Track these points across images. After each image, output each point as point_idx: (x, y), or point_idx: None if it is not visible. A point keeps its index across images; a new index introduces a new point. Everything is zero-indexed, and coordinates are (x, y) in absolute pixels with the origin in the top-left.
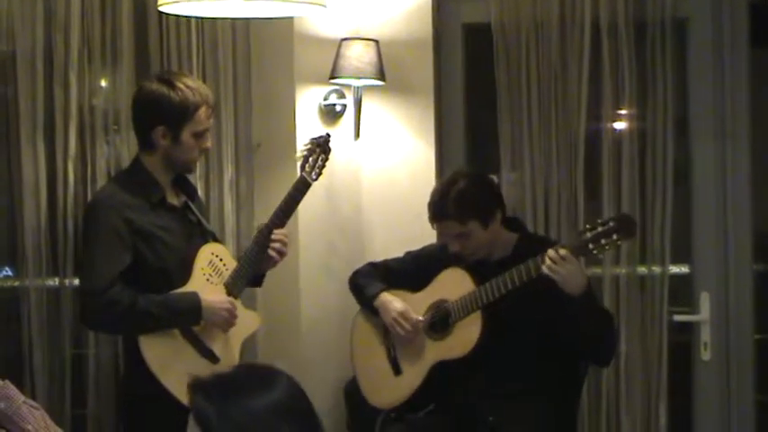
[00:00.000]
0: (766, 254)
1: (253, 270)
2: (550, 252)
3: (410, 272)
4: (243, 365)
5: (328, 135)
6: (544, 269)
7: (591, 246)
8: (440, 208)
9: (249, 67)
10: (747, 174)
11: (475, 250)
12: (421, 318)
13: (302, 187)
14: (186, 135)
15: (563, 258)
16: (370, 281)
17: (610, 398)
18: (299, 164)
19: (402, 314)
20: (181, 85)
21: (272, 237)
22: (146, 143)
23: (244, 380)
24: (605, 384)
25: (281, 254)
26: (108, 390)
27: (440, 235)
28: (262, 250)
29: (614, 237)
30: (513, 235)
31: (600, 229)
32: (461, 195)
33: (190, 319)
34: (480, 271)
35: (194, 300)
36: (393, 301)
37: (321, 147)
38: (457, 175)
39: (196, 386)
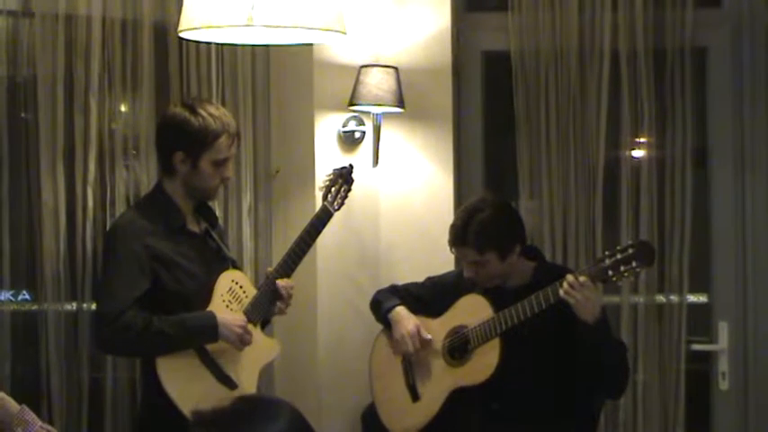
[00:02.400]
0: None
1: (273, 297)
2: (569, 277)
3: (429, 297)
4: (244, 397)
5: (351, 166)
6: (561, 293)
7: (610, 272)
8: (460, 235)
9: (269, 94)
10: (766, 202)
11: (489, 279)
12: (430, 337)
13: (324, 216)
14: (205, 162)
15: (581, 284)
16: (388, 296)
17: (627, 426)
18: (321, 193)
19: (413, 331)
20: (203, 112)
21: (279, 288)
22: (167, 168)
23: (246, 413)
24: (622, 413)
25: (286, 305)
26: (125, 414)
27: (457, 258)
28: (270, 294)
29: (633, 264)
30: (531, 264)
31: (619, 255)
32: (483, 226)
33: (206, 338)
34: (498, 298)
35: (210, 318)
36: (408, 318)
37: (344, 177)
38: (483, 203)
39: (196, 421)
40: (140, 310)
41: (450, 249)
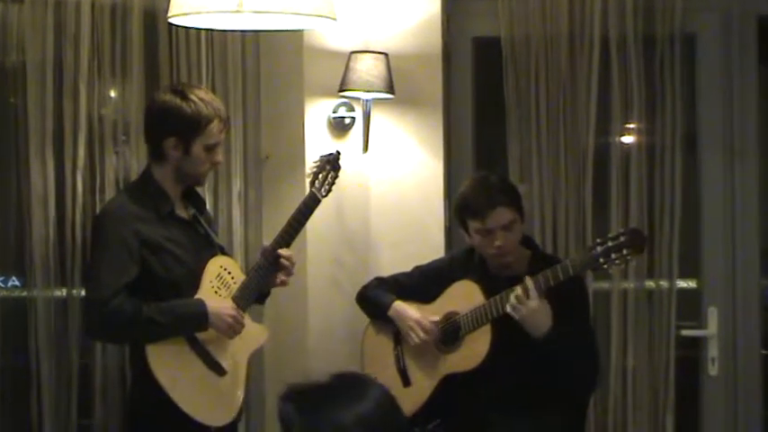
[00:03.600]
0: None
1: (260, 285)
2: (517, 289)
3: (418, 286)
4: (341, 374)
5: (338, 152)
6: (507, 307)
7: (601, 260)
8: (491, 196)
9: (258, 80)
10: (755, 189)
11: (512, 248)
12: (437, 318)
13: (312, 203)
14: (197, 147)
15: (528, 298)
16: (381, 292)
17: (617, 412)
18: (308, 180)
19: (418, 322)
20: (194, 98)
21: (280, 256)
22: (157, 154)
23: (337, 390)
24: (612, 399)
25: (287, 271)
26: (114, 400)
27: (480, 234)
28: (269, 267)
29: (624, 251)
30: (527, 252)
31: (610, 243)
32: (503, 183)
33: (196, 325)
34: (491, 286)
35: (200, 305)
36: (408, 309)
37: (331, 164)
38: (481, 173)
39: (290, 394)
40: (130, 296)
41: (469, 226)
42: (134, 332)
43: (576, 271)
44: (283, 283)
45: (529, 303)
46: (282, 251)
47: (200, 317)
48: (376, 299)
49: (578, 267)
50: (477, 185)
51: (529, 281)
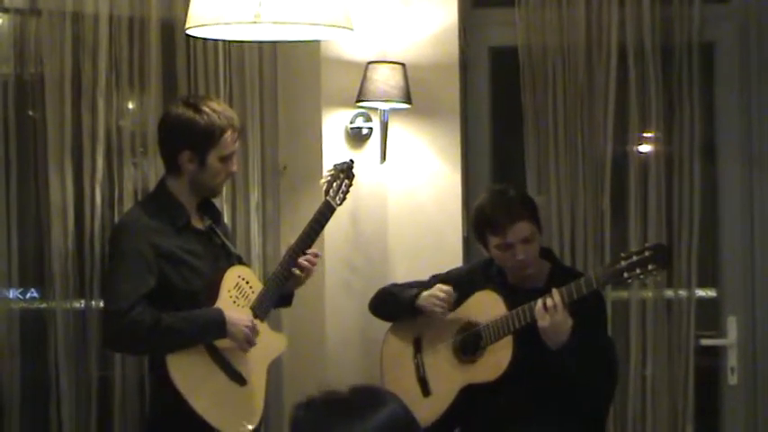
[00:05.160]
0: None
1: (279, 292)
2: (547, 299)
3: None
4: (357, 387)
5: (351, 161)
6: (536, 313)
7: (626, 275)
8: (511, 211)
9: (276, 91)
10: None
11: (533, 260)
12: (449, 288)
13: (327, 211)
14: (212, 159)
15: (555, 310)
16: (401, 289)
17: (636, 422)
18: (323, 189)
19: (435, 294)
20: (207, 109)
21: (302, 256)
22: (172, 167)
23: (352, 403)
24: (631, 408)
25: (307, 271)
26: (133, 412)
27: (501, 249)
28: (288, 272)
29: (649, 266)
30: (547, 264)
31: (635, 258)
32: (522, 197)
33: (214, 333)
34: (513, 298)
35: (218, 314)
36: (429, 292)
37: (345, 172)
38: (498, 186)
39: (304, 404)
40: (148, 306)
41: (498, 236)
42: (153, 342)
43: (599, 284)
44: (302, 281)
45: (555, 315)
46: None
47: (219, 325)
48: (397, 296)
49: (602, 281)
50: (497, 200)
51: (557, 293)
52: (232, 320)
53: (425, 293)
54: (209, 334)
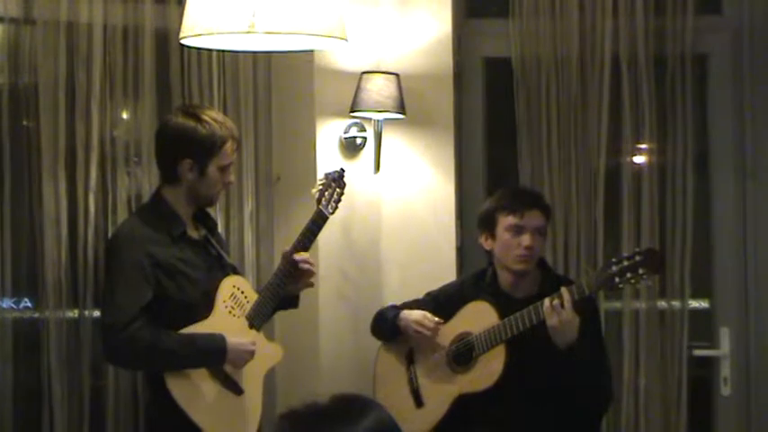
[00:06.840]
0: None
1: (275, 301)
2: (555, 298)
3: (431, 312)
4: (340, 396)
5: (342, 170)
6: (544, 311)
7: (617, 279)
8: (531, 197)
9: (270, 101)
10: (767, 209)
11: (536, 256)
12: (440, 320)
13: (320, 220)
14: (212, 169)
15: (563, 308)
16: (389, 311)
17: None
18: (315, 198)
19: (419, 321)
20: (207, 119)
21: (297, 262)
22: (170, 176)
23: (335, 412)
24: (625, 419)
25: (308, 273)
26: (126, 422)
27: (511, 232)
28: (284, 277)
29: (640, 271)
30: (539, 272)
31: (626, 262)
32: (540, 194)
33: (214, 360)
34: (506, 307)
35: (220, 341)
36: (410, 314)
37: (336, 181)
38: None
39: (287, 415)
40: (147, 321)
41: (515, 216)
42: (152, 360)
43: (591, 290)
44: (309, 285)
45: (563, 313)
46: (297, 255)
47: (219, 353)
48: (385, 317)
49: (594, 287)
50: (516, 188)
51: (566, 292)
52: (233, 347)
53: (408, 319)
54: (209, 361)
